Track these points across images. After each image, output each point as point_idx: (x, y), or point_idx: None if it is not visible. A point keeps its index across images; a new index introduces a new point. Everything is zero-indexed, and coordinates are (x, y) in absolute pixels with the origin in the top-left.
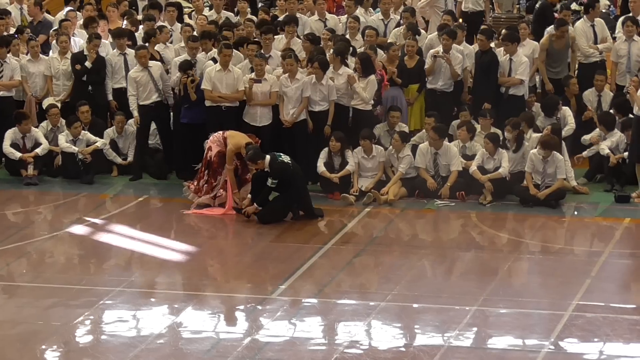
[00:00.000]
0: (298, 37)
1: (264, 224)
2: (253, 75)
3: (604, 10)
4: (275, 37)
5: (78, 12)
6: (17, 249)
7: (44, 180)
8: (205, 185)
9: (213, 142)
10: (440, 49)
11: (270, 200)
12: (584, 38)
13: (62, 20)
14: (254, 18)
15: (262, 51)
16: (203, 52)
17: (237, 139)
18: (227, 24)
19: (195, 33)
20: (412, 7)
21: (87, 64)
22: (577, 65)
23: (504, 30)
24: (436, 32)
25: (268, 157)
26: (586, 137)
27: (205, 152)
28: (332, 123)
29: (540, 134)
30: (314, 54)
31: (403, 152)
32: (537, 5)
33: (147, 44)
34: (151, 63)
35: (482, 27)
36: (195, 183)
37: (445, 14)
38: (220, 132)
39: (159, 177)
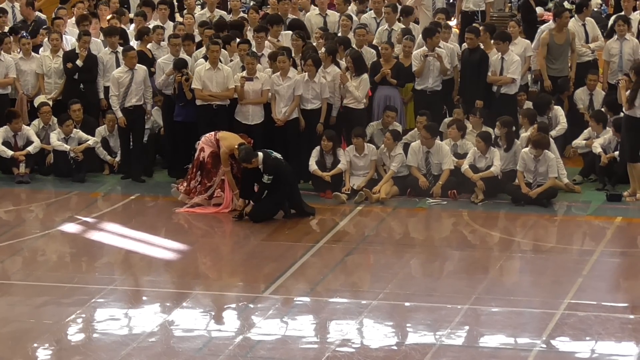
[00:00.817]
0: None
1: (255, 223)
2: (244, 73)
3: (595, 9)
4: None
5: (72, 8)
6: (9, 247)
7: (35, 179)
8: (198, 185)
9: (205, 143)
10: (425, 48)
11: (262, 199)
12: (576, 37)
13: (54, 19)
14: (246, 16)
15: (254, 49)
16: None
17: (229, 140)
18: (237, 25)
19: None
20: (394, 4)
21: (78, 62)
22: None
23: (481, 27)
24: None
25: (260, 154)
26: (581, 142)
27: (197, 153)
28: (324, 121)
29: (530, 132)
30: (308, 51)
31: (395, 150)
32: (519, 4)
33: (134, 47)
34: (137, 66)
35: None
36: (186, 184)
37: (439, 12)
38: (212, 133)
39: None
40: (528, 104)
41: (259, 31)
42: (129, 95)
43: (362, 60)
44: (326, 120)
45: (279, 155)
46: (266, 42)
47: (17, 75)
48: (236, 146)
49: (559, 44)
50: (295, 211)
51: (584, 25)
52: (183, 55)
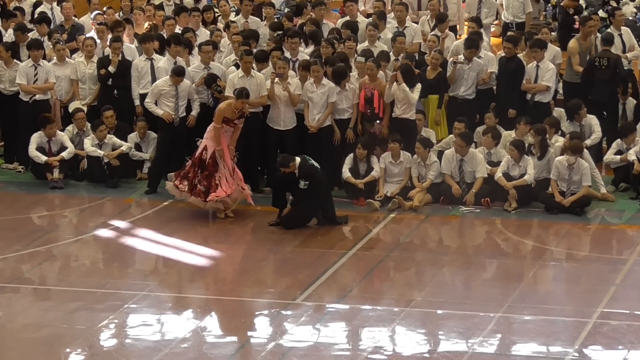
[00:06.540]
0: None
1: (288, 230)
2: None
3: (630, 18)
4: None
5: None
6: (42, 252)
7: (69, 184)
8: (205, 184)
9: (208, 139)
10: (461, 57)
11: (295, 206)
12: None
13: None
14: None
15: (287, 55)
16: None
17: (228, 101)
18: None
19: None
20: (442, 16)
21: (111, 68)
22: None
23: (509, 33)
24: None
25: (298, 158)
26: (615, 158)
27: (200, 150)
28: (354, 127)
29: (563, 142)
30: (336, 60)
31: (430, 159)
32: (554, 12)
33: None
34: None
35: (508, 34)
36: (186, 183)
37: (470, 21)
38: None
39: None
40: (557, 111)
41: (293, 37)
42: (171, 107)
43: (412, 72)
44: (355, 126)
45: (315, 163)
46: (300, 48)
47: None
48: (233, 105)
49: (585, 52)
50: (328, 220)
51: (620, 35)
52: (213, 64)
